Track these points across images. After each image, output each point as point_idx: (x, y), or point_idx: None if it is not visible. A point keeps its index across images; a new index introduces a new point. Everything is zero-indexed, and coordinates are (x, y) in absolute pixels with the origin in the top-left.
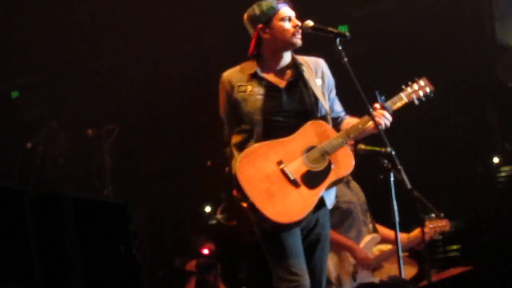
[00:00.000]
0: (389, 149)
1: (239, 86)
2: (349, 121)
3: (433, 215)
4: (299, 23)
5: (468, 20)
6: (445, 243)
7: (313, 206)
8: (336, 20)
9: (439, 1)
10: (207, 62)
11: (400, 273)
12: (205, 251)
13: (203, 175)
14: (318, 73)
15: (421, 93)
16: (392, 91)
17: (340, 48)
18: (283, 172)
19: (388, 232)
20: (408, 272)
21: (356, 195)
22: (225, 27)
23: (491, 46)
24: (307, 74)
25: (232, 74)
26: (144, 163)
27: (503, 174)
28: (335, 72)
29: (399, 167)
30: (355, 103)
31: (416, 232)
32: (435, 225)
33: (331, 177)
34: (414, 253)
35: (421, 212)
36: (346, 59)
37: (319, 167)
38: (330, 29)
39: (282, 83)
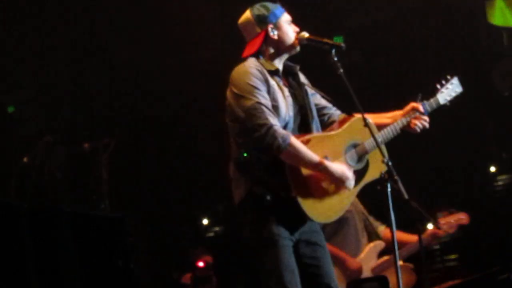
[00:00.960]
0: (385, 160)
1: (269, 78)
2: (375, 119)
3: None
4: (298, 29)
5: (464, 30)
6: (443, 252)
7: (347, 207)
8: (331, 30)
9: (435, 11)
10: (204, 75)
11: (398, 283)
12: (200, 264)
13: (200, 188)
14: (301, 77)
15: (452, 94)
16: (388, 101)
17: (335, 59)
18: None
19: (402, 236)
20: (406, 282)
21: (354, 204)
22: (221, 38)
23: (487, 55)
24: (298, 78)
25: (260, 65)
26: (141, 177)
27: (500, 183)
28: (330, 82)
29: (396, 177)
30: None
31: (427, 231)
32: (450, 219)
33: (367, 178)
34: (412, 262)
35: (419, 221)
36: (341, 70)
37: (358, 166)
38: (325, 40)
39: (288, 85)
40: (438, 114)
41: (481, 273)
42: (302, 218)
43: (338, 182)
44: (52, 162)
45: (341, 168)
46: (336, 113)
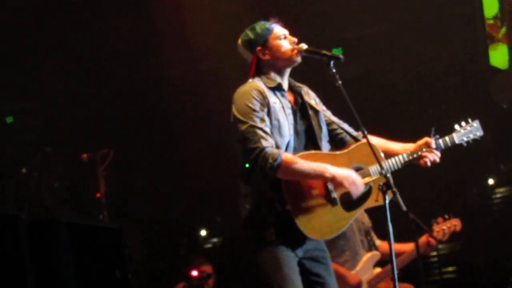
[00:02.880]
0: (383, 172)
1: (270, 97)
2: (384, 144)
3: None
4: (295, 39)
5: (462, 43)
6: (440, 265)
7: (343, 229)
8: (329, 43)
9: (433, 24)
10: (204, 86)
11: None
12: (194, 273)
13: (198, 198)
14: (311, 95)
15: (471, 136)
16: (386, 113)
17: (334, 71)
18: (326, 187)
19: (395, 247)
20: None
21: None
22: (221, 50)
23: (485, 67)
24: (306, 97)
25: (259, 84)
26: (139, 188)
27: (498, 195)
28: (328, 95)
29: (394, 189)
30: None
31: (422, 238)
32: (443, 227)
33: (368, 204)
34: (410, 274)
35: (416, 233)
36: (340, 82)
37: None
38: (324, 52)
39: (293, 103)
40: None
41: (479, 286)
42: (304, 235)
43: (344, 185)
44: (51, 173)
45: (345, 170)
46: (347, 137)
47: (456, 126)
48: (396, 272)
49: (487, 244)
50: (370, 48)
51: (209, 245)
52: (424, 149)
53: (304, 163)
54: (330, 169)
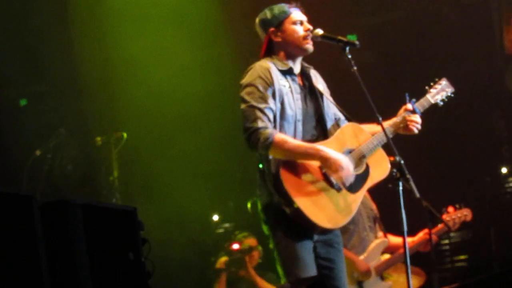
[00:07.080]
0: (397, 158)
1: (280, 79)
2: (370, 126)
3: (457, 205)
4: (310, 27)
5: (477, 30)
6: (452, 253)
7: (355, 211)
8: (344, 29)
9: (448, 11)
10: (218, 70)
11: (408, 284)
12: (235, 246)
13: (212, 182)
14: (318, 79)
15: (444, 94)
16: (400, 101)
17: (349, 56)
18: (325, 176)
19: (395, 240)
20: (415, 282)
21: (362, 201)
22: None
23: (500, 55)
24: (314, 80)
25: (270, 65)
26: (152, 171)
27: (511, 184)
28: (343, 80)
29: (408, 176)
30: (363, 111)
31: (421, 234)
32: (454, 216)
33: (370, 181)
34: (422, 263)
35: (429, 221)
36: (355, 68)
37: (358, 170)
38: (339, 37)
39: (302, 86)
40: (448, 116)
41: (491, 275)
42: (319, 227)
43: (335, 167)
44: (64, 156)
45: (338, 154)
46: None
47: (426, 88)
48: (409, 262)
49: (499, 232)
50: (385, 35)
51: (221, 230)
52: (405, 114)
53: (296, 143)
54: (324, 150)
